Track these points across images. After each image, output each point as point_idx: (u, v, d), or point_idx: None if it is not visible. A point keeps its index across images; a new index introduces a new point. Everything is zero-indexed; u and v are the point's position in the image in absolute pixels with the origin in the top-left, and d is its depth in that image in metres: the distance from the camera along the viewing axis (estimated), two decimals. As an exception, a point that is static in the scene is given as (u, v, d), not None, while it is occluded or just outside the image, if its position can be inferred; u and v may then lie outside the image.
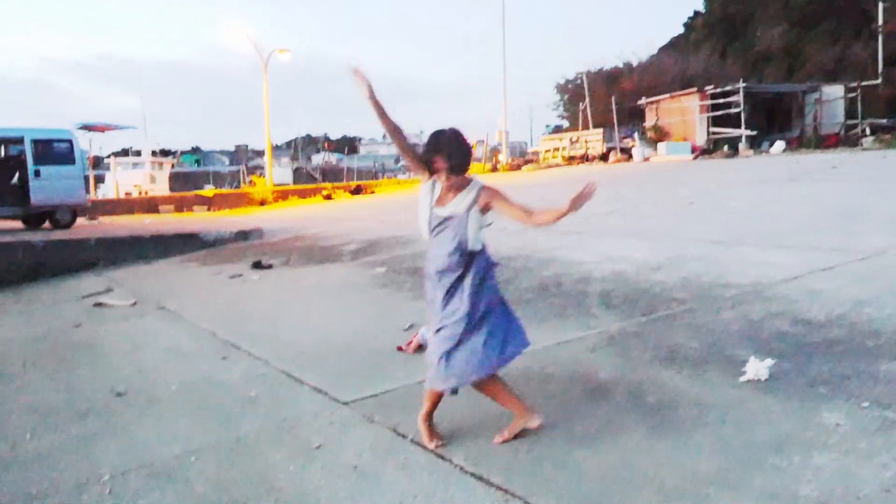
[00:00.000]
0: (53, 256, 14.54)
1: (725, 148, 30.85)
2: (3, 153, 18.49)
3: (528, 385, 4.95)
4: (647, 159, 32.56)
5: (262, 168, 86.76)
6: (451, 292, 4.03)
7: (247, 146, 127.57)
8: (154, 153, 48.67)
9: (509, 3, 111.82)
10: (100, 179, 43.98)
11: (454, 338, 3.97)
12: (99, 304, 10.33)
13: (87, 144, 43.46)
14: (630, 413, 4.29)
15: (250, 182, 31.70)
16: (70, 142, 17.90)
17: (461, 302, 3.99)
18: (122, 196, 38.28)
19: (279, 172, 74.30)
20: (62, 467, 4.68)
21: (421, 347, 6.02)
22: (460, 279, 4.02)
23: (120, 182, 41.19)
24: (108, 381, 6.42)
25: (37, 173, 17.21)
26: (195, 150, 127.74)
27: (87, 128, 19.25)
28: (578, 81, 46.87)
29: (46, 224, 18.00)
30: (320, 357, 6.27)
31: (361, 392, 5.18)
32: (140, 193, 39.22)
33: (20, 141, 17.39)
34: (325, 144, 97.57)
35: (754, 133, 33.38)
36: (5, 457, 5.03)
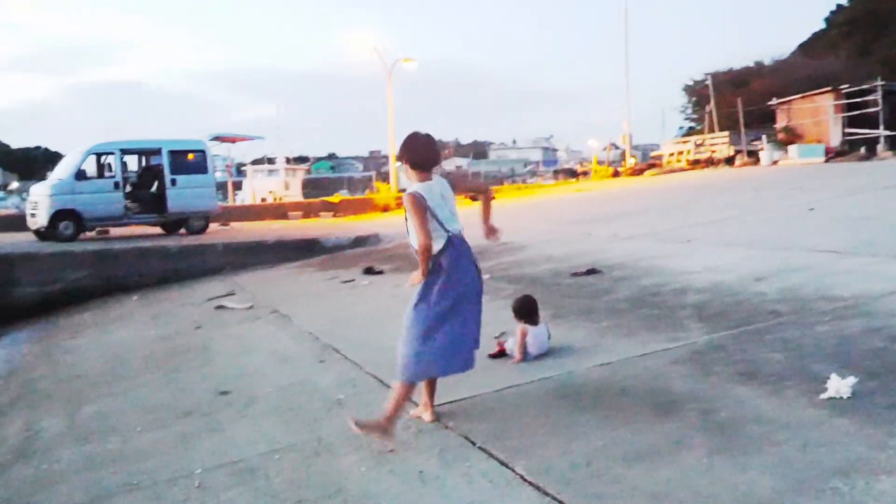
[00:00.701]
0: (185, 261, 15.46)
1: (862, 150, 29.29)
2: (144, 164, 19.76)
3: (601, 398, 4.97)
4: (775, 162, 31.33)
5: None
6: None
7: (380, 152, 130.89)
8: (288, 161, 50.59)
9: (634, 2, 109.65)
10: (237, 186, 46.12)
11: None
12: (220, 307, 10.94)
13: (227, 152, 45.81)
14: (697, 430, 4.24)
15: (374, 189, 32.45)
16: (203, 152, 18.97)
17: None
18: (259, 202, 40.02)
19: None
20: (161, 461, 5.05)
21: (503, 354, 6.13)
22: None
23: (256, 189, 43.06)
24: (215, 382, 6.84)
25: (173, 182, 18.30)
26: (330, 156, 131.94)
27: (219, 139, 20.33)
28: (706, 83, 45.56)
29: (182, 231, 19.09)
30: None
31: (442, 398, 5.31)
32: (275, 200, 40.83)
33: (158, 152, 18.54)
34: (448, 151, 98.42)
35: (894, 134, 31.54)
36: (116, 450, 5.46)
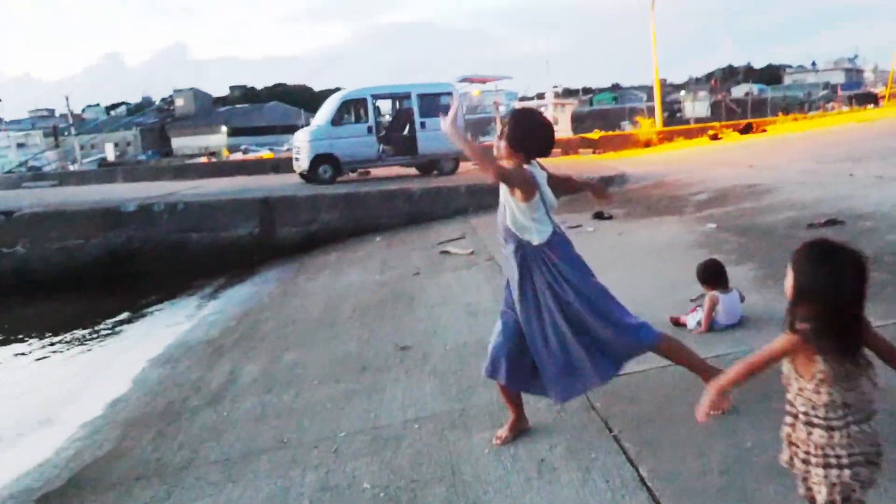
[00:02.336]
0: (428, 204, 15.80)
1: None
2: (397, 108, 20.42)
3: (772, 386, 4.21)
4: None
5: (679, 102, 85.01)
6: None
7: (665, 80, 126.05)
8: (557, 94, 50.05)
9: None
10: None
11: None
12: (444, 252, 11.02)
13: (493, 87, 46.12)
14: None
15: (636, 124, 30.99)
16: (451, 94, 19.14)
17: None
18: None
19: (696, 107, 71.96)
20: (317, 420, 5.12)
21: (678, 324, 5.52)
22: None
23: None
24: (402, 336, 6.85)
25: (422, 125, 18.73)
26: (614, 87, 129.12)
27: (468, 80, 20.41)
28: None
29: (434, 172, 19.53)
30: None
31: (604, 372, 4.86)
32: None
33: (408, 96, 19.04)
34: (713, 83, 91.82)
35: None
36: (287, 403, 5.64)
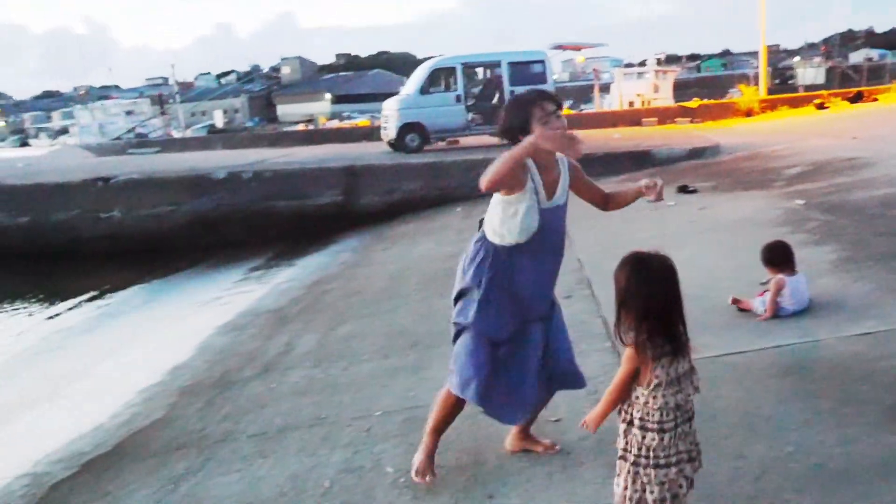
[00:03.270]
0: (513, 174, 15.52)
1: None
2: (487, 76, 20.10)
3: (833, 382, 3.93)
4: None
5: (791, 69, 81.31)
6: None
7: (778, 46, 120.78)
8: (659, 62, 48.52)
9: None
10: (604, 90, 45.45)
11: None
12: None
13: (592, 54, 45.04)
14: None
15: (738, 92, 29.57)
16: (543, 62, 18.75)
17: None
18: (626, 107, 39.09)
19: (810, 73, 68.65)
20: (357, 397, 5.05)
21: (741, 308, 5.20)
22: None
23: (623, 93, 42.04)
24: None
25: (512, 94, 18.34)
26: (724, 53, 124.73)
27: (561, 47, 19.89)
28: None
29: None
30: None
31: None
32: (643, 104, 39.56)
33: (499, 64, 18.71)
34: (823, 48, 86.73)
35: None
36: (334, 377, 5.60)
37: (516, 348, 3.42)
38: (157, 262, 13.37)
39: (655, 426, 2.52)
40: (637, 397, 2.55)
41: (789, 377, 4.07)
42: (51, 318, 10.44)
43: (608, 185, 11.73)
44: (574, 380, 3.63)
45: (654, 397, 2.52)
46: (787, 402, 3.77)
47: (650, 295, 2.49)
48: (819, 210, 8.08)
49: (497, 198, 3.40)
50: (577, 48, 21.10)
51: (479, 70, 20.50)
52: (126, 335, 9.03)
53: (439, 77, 18.88)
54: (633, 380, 2.56)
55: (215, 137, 37.95)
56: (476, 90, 19.77)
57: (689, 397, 2.59)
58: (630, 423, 2.58)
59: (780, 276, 5.02)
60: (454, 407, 3.55)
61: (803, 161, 11.92)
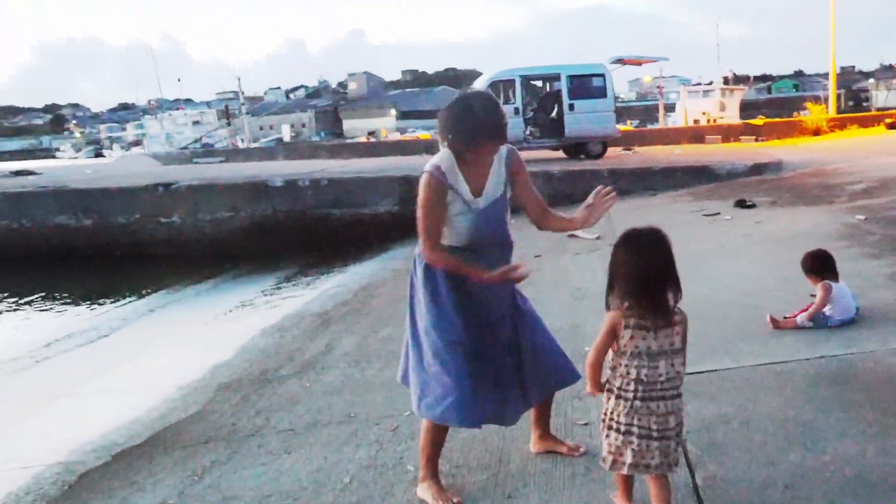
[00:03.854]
0: (568, 186, 15.37)
1: None
2: (547, 89, 19.97)
3: (878, 393, 3.73)
4: None
5: (866, 91, 79.19)
6: None
7: (854, 67, 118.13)
8: (727, 81, 47.65)
9: None
10: (669, 108, 44.88)
11: None
12: (572, 235, 10.65)
13: (658, 72, 44.63)
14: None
15: (806, 110, 28.81)
16: (603, 76, 18.52)
17: None
18: (691, 124, 38.52)
19: (885, 96, 66.70)
20: (387, 397, 4.98)
21: (777, 326, 4.97)
22: None
23: (689, 111, 41.50)
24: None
25: (571, 107, 18.21)
26: (797, 74, 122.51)
27: (622, 61, 19.57)
28: None
29: (581, 156, 18.99)
30: (698, 317, 5.55)
31: (692, 366, 4.46)
32: (708, 121, 38.95)
33: (558, 77, 18.54)
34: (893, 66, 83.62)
35: None
36: (369, 378, 5.55)
37: (484, 348, 3.27)
38: (212, 266, 13.57)
39: (616, 392, 2.68)
40: (615, 367, 2.71)
41: (832, 387, 3.89)
42: (104, 313, 10.67)
43: (665, 198, 11.47)
44: (565, 371, 3.50)
45: (619, 364, 2.67)
46: (827, 411, 3.60)
47: (637, 267, 2.62)
48: (880, 225, 7.79)
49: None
50: (639, 62, 20.70)
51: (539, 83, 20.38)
52: (173, 335, 9.15)
53: (498, 89, 18.80)
54: (611, 342, 2.68)
55: (278, 148, 38.61)
56: (535, 103, 19.64)
57: (660, 376, 2.63)
58: (610, 391, 2.73)
59: (826, 282, 4.82)
60: (435, 432, 3.40)
61: (868, 178, 11.53)
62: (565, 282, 7.69)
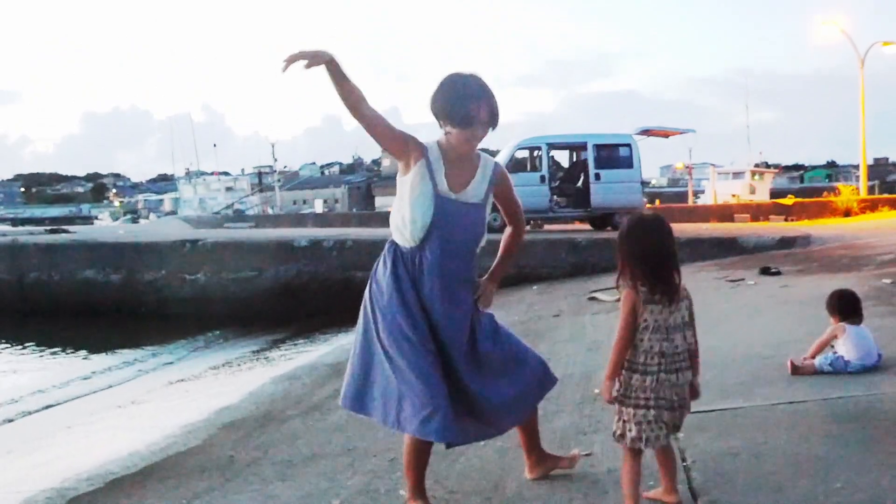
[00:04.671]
0: (594, 254, 15.24)
1: None
2: (573, 158, 19.95)
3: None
4: None
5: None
6: None
7: (886, 159, 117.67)
8: (757, 165, 47.66)
9: None
10: (699, 192, 44.80)
11: None
12: (592, 298, 10.53)
13: (688, 155, 44.79)
14: None
15: (837, 191, 28.58)
16: (630, 146, 18.48)
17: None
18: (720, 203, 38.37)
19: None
20: (391, 432, 4.82)
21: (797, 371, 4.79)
22: None
23: (718, 191, 41.44)
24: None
25: (597, 177, 18.09)
26: (830, 164, 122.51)
27: (648, 132, 19.55)
28: None
29: (608, 228, 18.86)
30: (714, 366, 5.39)
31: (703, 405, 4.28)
32: (738, 202, 38.83)
33: (584, 146, 18.53)
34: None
35: None
36: (352, 420, 5.38)
37: (423, 350, 3.11)
38: (233, 323, 13.56)
39: (640, 367, 2.76)
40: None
41: (849, 423, 3.70)
42: (119, 364, 10.65)
43: (690, 268, 11.26)
44: (540, 373, 3.36)
45: (641, 340, 2.75)
46: (843, 445, 3.41)
47: (644, 247, 2.77)
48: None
49: (398, 188, 3.22)
50: (665, 134, 20.63)
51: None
52: (184, 385, 9.06)
53: (525, 156, 18.88)
54: (634, 319, 2.76)
55: (308, 215, 39.01)
56: (561, 172, 19.64)
57: (677, 349, 2.77)
58: (628, 368, 2.80)
59: (842, 323, 4.67)
60: (419, 446, 3.22)
61: (898, 249, 11.32)
62: (581, 336, 7.57)
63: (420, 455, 3.23)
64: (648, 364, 2.74)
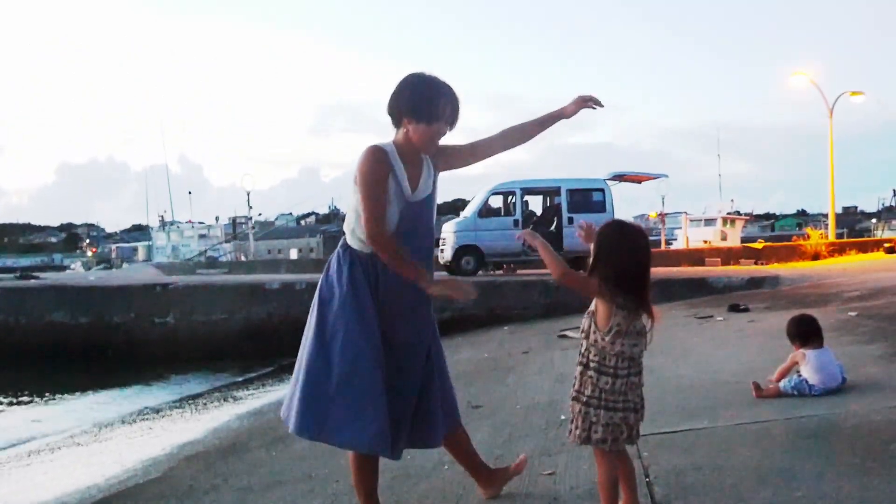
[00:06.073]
0: (567, 295, 15.23)
1: None
2: (546, 203, 20.10)
3: (859, 443, 3.53)
4: None
5: (869, 231, 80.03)
6: None
7: (856, 208, 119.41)
8: (728, 213, 48.10)
9: None
10: (671, 240, 45.14)
11: None
12: (562, 336, 10.52)
13: (661, 202, 45.20)
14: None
15: (806, 236, 28.91)
16: (603, 191, 18.70)
17: None
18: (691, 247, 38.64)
19: (887, 236, 67.48)
20: (340, 463, 4.67)
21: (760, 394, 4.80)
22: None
23: (690, 237, 41.82)
24: (481, 397, 6.48)
25: (570, 220, 18.24)
26: (800, 213, 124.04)
27: (619, 177, 19.77)
28: None
29: (581, 271, 18.95)
30: (680, 391, 5.38)
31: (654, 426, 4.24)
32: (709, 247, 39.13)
33: (558, 191, 18.71)
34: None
35: None
36: (315, 449, 5.30)
37: (377, 361, 3.10)
38: (203, 366, 13.39)
39: (610, 371, 2.77)
40: (595, 341, 2.80)
41: (812, 439, 3.71)
42: (91, 405, 10.45)
43: (662, 307, 11.28)
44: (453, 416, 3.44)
45: (613, 343, 2.76)
46: (805, 458, 3.40)
47: (623, 251, 2.78)
48: (872, 319, 7.66)
49: (357, 197, 3.15)
50: (638, 179, 20.83)
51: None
52: (150, 424, 8.88)
53: (499, 201, 18.99)
54: (572, 277, 2.97)
55: (282, 261, 38.78)
56: (535, 217, 19.76)
57: (641, 353, 2.83)
58: (586, 367, 2.82)
59: (802, 350, 4.70)
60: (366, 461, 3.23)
61: (863, 287, 11.44)
62: (549, 370, 7.53)
63: (364, 468, 3.22)
64: (619, 367, 2.77)
